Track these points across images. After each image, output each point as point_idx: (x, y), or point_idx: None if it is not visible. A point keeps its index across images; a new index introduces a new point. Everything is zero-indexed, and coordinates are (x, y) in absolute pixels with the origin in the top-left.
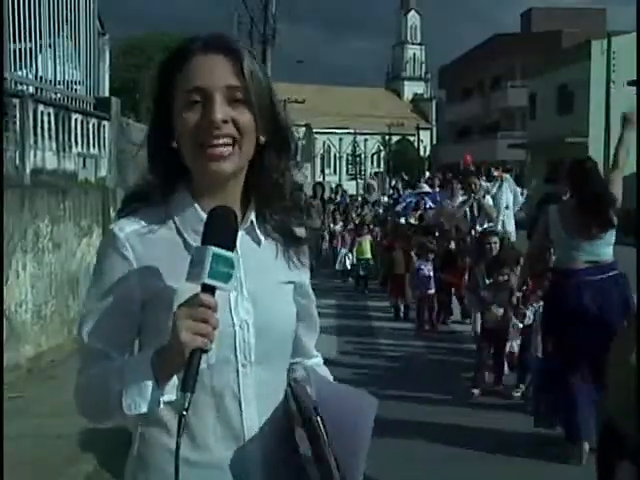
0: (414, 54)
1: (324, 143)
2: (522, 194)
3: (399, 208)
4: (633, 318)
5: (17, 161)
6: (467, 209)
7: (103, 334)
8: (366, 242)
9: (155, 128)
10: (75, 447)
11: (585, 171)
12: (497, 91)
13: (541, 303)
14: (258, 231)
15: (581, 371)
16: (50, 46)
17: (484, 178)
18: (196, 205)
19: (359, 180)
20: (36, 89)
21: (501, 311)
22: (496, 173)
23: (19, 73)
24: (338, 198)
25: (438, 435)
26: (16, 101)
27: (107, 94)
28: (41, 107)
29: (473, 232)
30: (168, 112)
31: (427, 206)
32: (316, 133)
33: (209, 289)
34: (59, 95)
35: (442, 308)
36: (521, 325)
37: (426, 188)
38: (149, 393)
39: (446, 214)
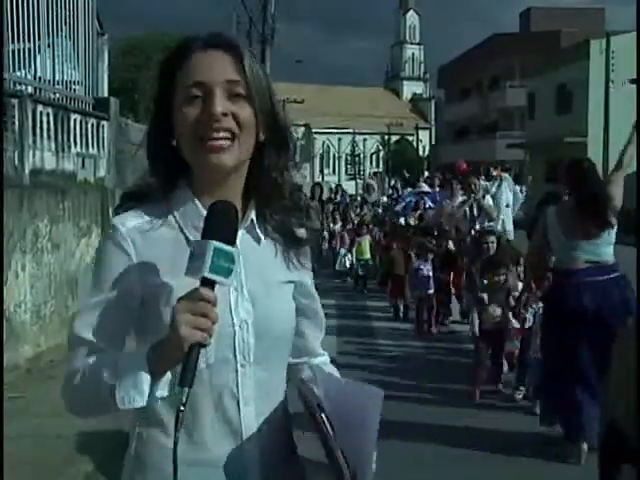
0: (413, 54)
1: (323, 143)
2: (522, 192)
3: (398, 208)
4: (634, 320)
5: (16, 161)
6: (467, 209)
7: (98, 328)
8: (365, 242)
9: (155, 126)
10: (74, 448)
11: (583, 171)
12: (496, 91)
13: (541, 304)
14: (258, 230)
15: (580, 372)
16: (49, 46)
17: (483, 178)
18: (196, 201)
19: (358, 180)
20: (35, 89)
21: (498, 311)
22: (495, 173)
23: (18, 73)
24: (338, 198)
25: (439, 436)
26: (15, 101)
27: (106, 94)
28: (40, 107)
29: (473, 232)
30: (168, 110)
31: (427, 206)
32: (315, 133)
33: (209, 283)
34: (58, 95)
35: (441, 308)
36: (518, 325)
37: (425, 187)
38: (144, 387)
39: (445, 214)
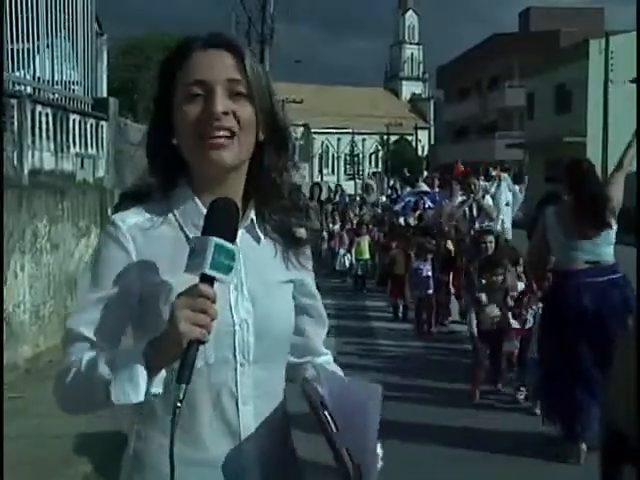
0: (412, 54)
1: (322, 143)
2: (521, 191)
3: (398, 207)
4: (634, 320)
5: (15, 161)
6: (466, 209)
7: (94, 325)
8: (364, 242)
9: (155, 125)
10: (73, 448)
11: (581, 171)
12: (495, 91)
13: (540, 305)
14: (258, 230)
15: (579, 372)
16: (48, 47)
17: (482, 178)
18: (196, 199)
19: (357, 180)
20: (34, 89)
21: (496, 311)
22: (494, 173)
23: (17, 74)
24: (337, 198)
25: (439, 436)
26: (14, 102)
27: (105, 94)
28: (39, 107)
29: (472, 232)
30: (168, 109)
31: (426, 206)
32: (314, 133)
33: (208, 280)
34: (57, 95)
35: (440, 309)
36: (517, 325)
37: (425, 187)
38: (140, 382)
39: (445, 214)
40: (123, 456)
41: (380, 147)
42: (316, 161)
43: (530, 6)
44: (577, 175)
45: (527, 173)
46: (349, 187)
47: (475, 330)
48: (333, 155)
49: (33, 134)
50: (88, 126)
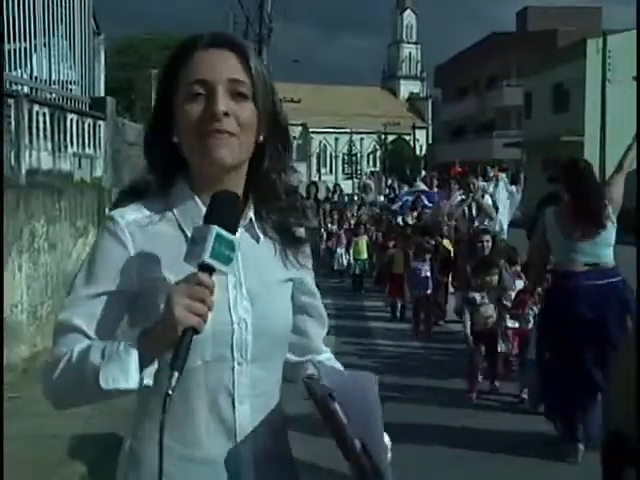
0: (410, 53)
1: (320, 142)
2: (518, 192)
3: (395, 207)
4: (634, 320)
5: (12, 161)
6: (466, 209)
7: (89, 318)
8: (362, 242)
9: (156, 124)
10: (68, 450)
11: (579, 171)
12: (493, 90)
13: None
14: (257, 229)
15: (577, 373)
16: (45, 46)
17: (480, 178)
18: (196, 199)
19: (355, 179)
20: (31, 89)
21: (490, 311)
22: (492, 173)
23: (14, 73)
24: (335, 198)
25: (437, 436)
26: (11, 101)
27: (102, 94)
28: (36, 107)
29: (471, 232)
30: (170, 107)
31: (424, 204)
32: (312, 132)
33: (207, 269)
34: (54, 95)
35: (436, 309)
36: (514, 325)
37: (422, 186)
38: (131, 369)
39: (443, 214)
40: (119, 455)
41: (378, 146)
42: (314, 160)
43: (528, 5)
44: (574, 175)
45: (525, 172)
46: (347, 186)
47: (469, 330)
48: (331, 154)
49: (30, 134)
50: (86, 126)
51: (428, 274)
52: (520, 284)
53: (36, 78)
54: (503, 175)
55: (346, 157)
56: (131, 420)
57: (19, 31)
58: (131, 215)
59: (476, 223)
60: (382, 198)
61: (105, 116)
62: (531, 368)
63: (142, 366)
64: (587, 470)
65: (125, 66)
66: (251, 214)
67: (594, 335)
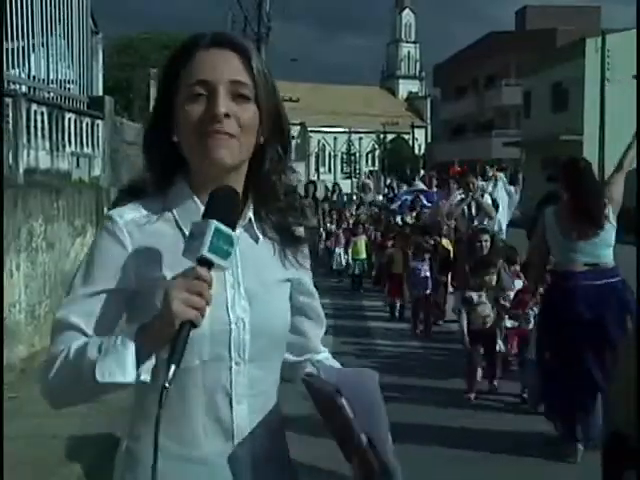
0: (408, 52)
1: (319, 142)
2: (516, 192)
3: (394, 206)
4: (634, 321)
5: (10, 160)
6: (465, 208)
7: (86, 316)
8: (361, 242)
9: (156, 122)
10: (65, 451)
11: (578, 170)
12: (491, 89)
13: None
14: (256, 229)
15: (576, 373)
16: (43, 45)
17: (479, 177)
18: (195, 199)
19: (354, 179)
20: (29, 88)
21: (487, 311)
22: (491, 173)
23: (12, 72)
24: (334, 197)
25: (437, 436)
26: (9, 100)
27: (101, 93)
28: (34, 106)
29: (470, 231)
30: (170, 107)
31: (423, 204)
32: (310, 132)
33: (206, 264)
34: (52, 94)
35: (435, 309)
36: (512, 325)
37: (421, 185)
38: (127, 362)
39: (442, 214)
40: (116, 456)
41: (377, 146)
42: (312, 160)
43: (527, 4)
44: (574, 174)
45: (524, 172)
46: (346, 186)
47: (465, 329)
48: (330, 154)
49: (28, 133)
50: (84, 125)
51: (427, 274)
52: (519, 284)
53: (34, 77)
54: (502, 175)
55: (345, 156)
56: (128, 421)
57: (17, 30)
58: (129, 214)
59: (475, 222)
60: (381, 197)
61: (103, 115)
62: (531, 368)
63: (139, 361)
64: (587, 470)
65: (123, 65)
66: (250, 214)
67: (593, 335)
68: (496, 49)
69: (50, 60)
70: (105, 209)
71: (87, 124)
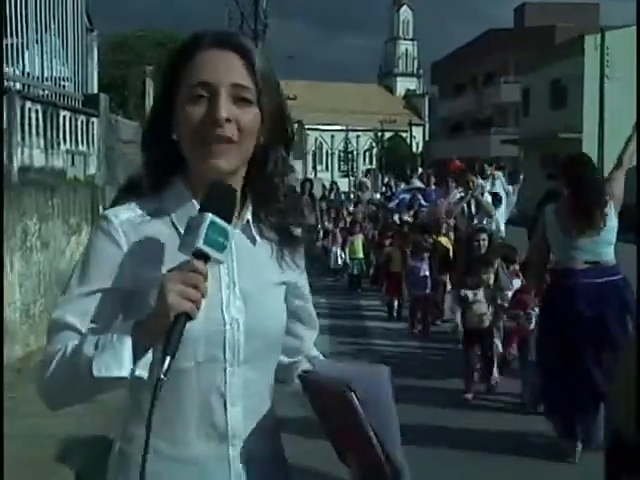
0: (406, 50)
1: (316, 140)
2: (514, 192)
3: (392, 205)
4: (635, 321)
5: (4, 159)
6: (465, 207)
7: (82, 315)
8: (358, 241)
9: (156, 120)
10: (58, 453)
11: (581, 167)
12: (490, 87)
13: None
14: (254, 230)
15: (576, 373)
16: (37, 42)
17: (478, 176)
18: (194, 201)
19: (351, 177)
20: (23, 85)
21: (483, 309)
22: (489, 171)
23: (6, 69)
24: (332, 196)
25: (437, 437)
26: (3, 98)
27: (96, 91)
28: (28, 104)
29: (469, 230)
30: (171, 105)
31: (420, 204)
32: (308, 129)
33: (201, 257)
34: (47, 92)
35: (434, 309)
36: (513, 324)
37: (418, 183)
38: (124, 356)
39: (440, 212)
40: (109, 458)
41: (374, 144)
42: (310, 158)
43: (525, 1)
44: (576, 171)
45: (522, 169)
46: (343, 184)
47: (461, 327)
48: (327, 152)
49: (22, 131)
50: (79, 123)
51: (427, 273)
52: (517, 283)
53: (28, 74)
54: (500, 174)
55: (342, 154)
56: (121, 421)
57: (11, 27)
58: (125, 214)
59: (475, 221)
60: (379, 196)
61: (98, 113)
62: (531, 368)
63: (136, 356)
64: (587, 470)
65: (118, 63)
66: (248, 215)
67: (594, 333)
68: (495, 46)
69: (45, 57)
70: (100, 207)
71: (82, 122)
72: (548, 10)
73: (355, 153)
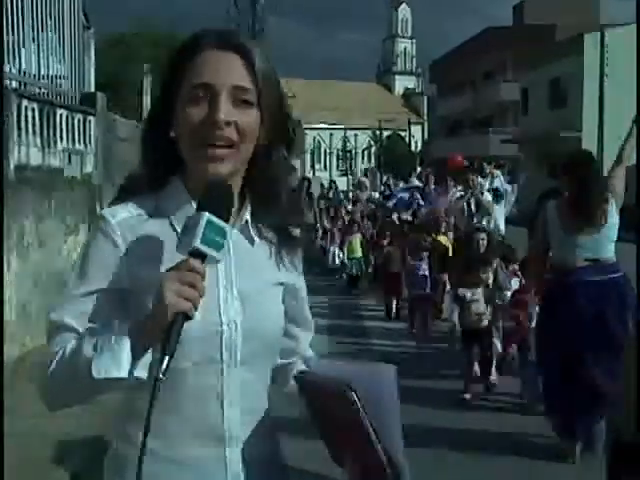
0: (405, 48)
1: (314, 139)
2: (513, 191)
3: (390, 204)
4: (635, 319)
5: None
6: (465, 205)
7: (81, 317)
8: (356, 240)
9: (156, 118)
10: (55, 453)
11: (583, 164)
12: (489, 85)
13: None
14: (252, 231)
15: (576, 373)
16: (34, 40)
17: (477, 175)
18: (192, 201)
19: (350, 176)
20: (19, 83)
21: (481, 309)
22: (488, 170)
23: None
24: (331, 195)
25: (437, 437)
26: None
27: (92, 89)
28: (25, 102)
29: (469, 229)
30: (170, 104)
31: (419, 204)
32: (306, 129)
33: (199, 256)
34: (43, 90)
35: (434, 308)
36: (509, 323)
37: (416, 182)
38: (123, 357)
39: (440, 211)
40: (105, 460)
41: (373, 143)
42: (308, 157)
43: None
44: (578, 168)
45: (522, 168)
46: (342, 183)
47: (459, 328)
48: (325, 151)
49: (19, 129)
50: (75, 121)
51: (426, 273)
52: (516, 283)
53: (25, 72)
54: (498, 172)
55: (341, 153)
56: (117, 423)
57: (7, 25)
58: (122, 214)
59: (475, 220)
60: (377, 195)
61: (95, 111)
62: (531, 367)
63: (135, 356)
64: (587, 470)
65: (116, 61)
66: (247, 215)
67: (594, 332)
68: (493, 45)
69: (41, 55)
70: (97, 207)
71: (79, 120)
72: (547, 8)
73: (354, 152)
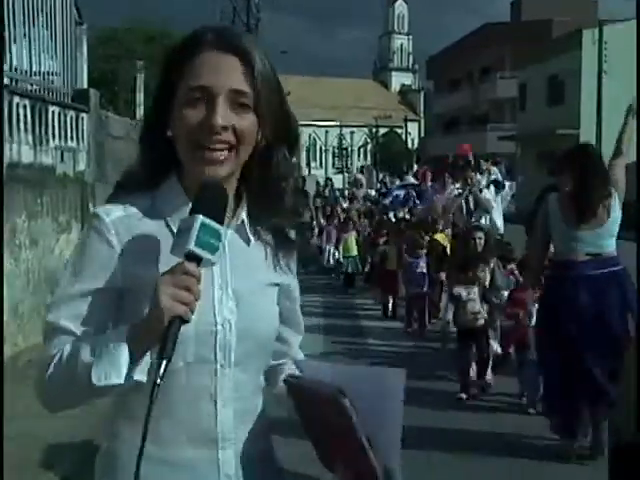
0: (401, 44)
1: (310, 136)
2: (511, 188)
3: (386, 202)
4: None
5: None
6: (463, 203)
7: (77, 319)
8: (351, 239)
9: (153, 117)
10: (48, 454)
11: (586, 157)
12: (486, 82)
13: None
14: (248, 231)
15: (576, 372)
16: (25, 36)
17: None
18: (188, 200)
19: (346, 174)
20: (11, 80)
21: (477, 308)
22: (485, 167)
23: None
24: (327, 192)
25: (436, 438)
26: None
27: (85, 86)
28: (16, 99)
29: (467, 227)
30: (168, 104)
31: (415, 202)
32: (301, 125)
33: (194, 259)
34: (35, 86)
35: (430, 307)
36: (507, 323)
37: (412, 180)
38: (122, 363)
39: (437, 209)
40: (95, 461)
41: (369, 140)
42: (303, 154)
43: None
44: (580, 161)
45: (519, 165)
46: (337, 181)
47: (452, 327)
48: (321, 148)
49: (10, 126)
50: (68, 118)
51: (424, 270)
52: (512, 283)
53: (16, 69)
54: (495, 169)
55: (336, 151)
56: (107, 425)
57: None
58: (117, 212)
59: (473, 218)
60: (374, 192)
61: (88, 108)
62: (530, 366)
63: (133, 361)
64: (587, 470)
65: (108, 57)
66: (244, 216)
67: (594, 328)
68: (491, 41)
69: (33, 51)
70: (90, 205)
71: (71, 117)
72: (545, 4)
73: (349, 149)
